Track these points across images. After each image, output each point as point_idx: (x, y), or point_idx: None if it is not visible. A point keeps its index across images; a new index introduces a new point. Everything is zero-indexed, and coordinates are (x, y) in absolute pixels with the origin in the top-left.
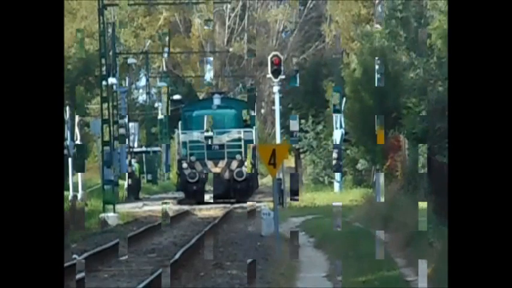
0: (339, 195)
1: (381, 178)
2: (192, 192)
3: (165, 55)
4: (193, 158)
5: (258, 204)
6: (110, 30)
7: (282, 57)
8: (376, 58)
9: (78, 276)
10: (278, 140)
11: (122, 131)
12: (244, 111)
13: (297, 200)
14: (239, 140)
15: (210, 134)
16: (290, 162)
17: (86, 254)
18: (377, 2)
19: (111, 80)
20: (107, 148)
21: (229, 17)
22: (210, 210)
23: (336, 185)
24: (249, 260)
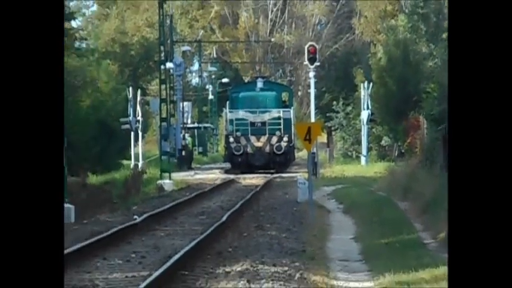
0: (365, 167)
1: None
2: (237, 163)
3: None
4: (238, 134)
5: (294, 175)
6: (168, 21)
7: (317, 47)
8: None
9: None
10: (313, 119)
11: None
12: (284, 94)
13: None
14: (279, 118)
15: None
16: (323, 138)
17: (145, 215)
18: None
19: (169, 65)
20: (164, 124)
21: (272, 11)
22: (253, 179)
23: (363, 159)
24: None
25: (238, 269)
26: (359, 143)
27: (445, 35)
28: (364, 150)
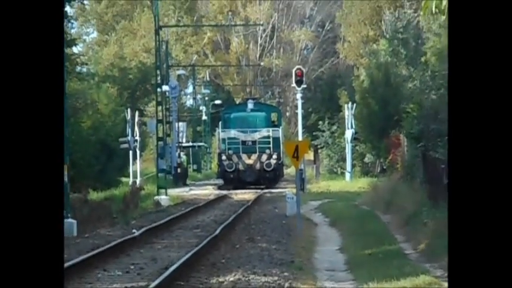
0: (350, 183)
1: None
2: (229, 180)
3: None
4: (231, 152)
5: (283, 190)
6: (164, 47)
7: (303, 70)
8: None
9: None
10: (300, 138)
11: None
12: (273, 114)
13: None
14: (268, 137)
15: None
16: (310, 156)
17: (143, 229)
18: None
19: (165, 88)
20: (160, 143)
21: (261, 36)
22: (244, 194)
23: (347, 175)
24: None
25: (231, 279)
26: (344, 160)
27: (423, 59)
28: (348, 167)
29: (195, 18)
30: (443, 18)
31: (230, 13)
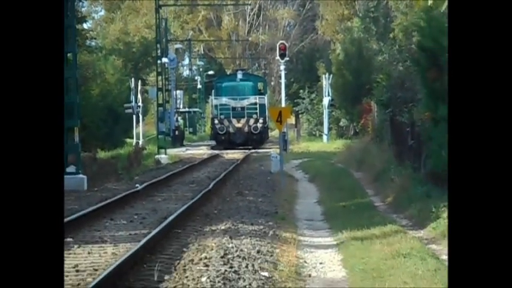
0: (326, 144)
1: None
2: (221, 141)
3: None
4: (222, 117)
5: (268, 150)
6: (163, 23)
7: (286, 45)
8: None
9: None
10: (283, 104)
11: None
12: (259, 83)
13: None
14: (255, 104)
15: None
16: (292, 120)
17: (144, 184)
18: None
19: (164, 60)
20: (160, 108)
21: (249, 15)
22: (234, 154)
23: (324, 137)
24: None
25: (222, 227)
26: (321, 124)
27: (392, 35)
28: (325, 130)
29: None
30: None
31: None
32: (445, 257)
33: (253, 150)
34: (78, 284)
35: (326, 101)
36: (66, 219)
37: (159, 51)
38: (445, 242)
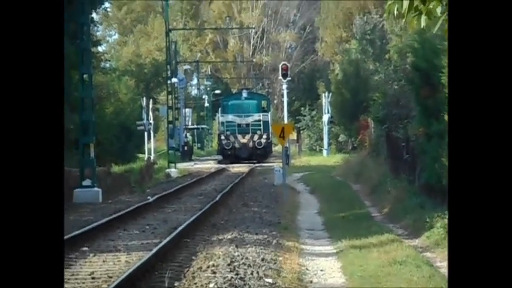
0: (326, 158)
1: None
2: (227, 156)
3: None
4: (228, 133)
5: (271, 164)
6: (173, 46)
7: (288, 65)
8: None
9: None
10: (285, 121)
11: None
12: (263, 101)
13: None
14: (259, 121)
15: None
16: (293, 136)
17: (156, 196)
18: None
19: (174, 80)
20: (170, 125)
21: (253, 37)
22: (240, 167)
23: (324, 152)
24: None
25: (229, 237)
26: (321, 139)
27: (387, 56)
28: (325, 145)
29: (198, 22)
30: (404, 21)
31: (228, 18)
32: (439, 264)
33: (257, 164)
34: None
35: (326, 117)
36: (82, 230)
37: (169, 72)
38: (439, 250)
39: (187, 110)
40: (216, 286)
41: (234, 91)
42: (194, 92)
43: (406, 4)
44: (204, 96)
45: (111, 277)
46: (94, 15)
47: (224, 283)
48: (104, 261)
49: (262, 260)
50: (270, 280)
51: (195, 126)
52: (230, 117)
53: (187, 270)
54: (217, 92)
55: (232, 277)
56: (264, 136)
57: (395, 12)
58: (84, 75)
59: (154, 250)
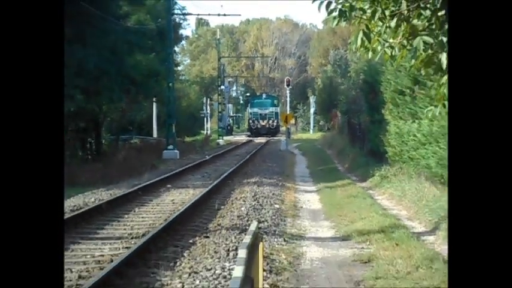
0: (312, 135)
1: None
2: (253, 132)
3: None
4: (254, 118)
5: (279, 138)
6: (222, 67)
7: (290, 79)
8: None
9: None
10: (288, 112)
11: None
12: (275, 101)
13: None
14: (272, 112)
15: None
16: (293, 121)
17: (210, 156)
18: (329, 58)
19: (222, 87)
20: (219, 114)
21: (269, 62)
22: (260, 139)
23: (311, 131)
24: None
25: (253, 180)
26: (309, 123)
27: (349, 74)
28: (311, 127)
29: (237, 53)
30: (358, 53)
31: (255, 51)
32: (376, 197)
33: (271, 138)
34: (174, 210)
35: (312, 110)
36: (167, 175)
37: (219, 82)
38: (377, 189)
39: (229, 105)
40: (245, 209)
41: (258, 94)
42: (234, 94)
43: (359, 44)
44: (239, 97)
45: (184, 202)
46: (176, 48)
47: (250, 207)
48: (179, 193)
49: (273, 194)
50: (277, 206)
51: (234, 114)
52: (255, 109)
53: (229, 199)
54: (247, 94)
55: (255, 204)
56: (275, 121)
57: (354, 49)
58: (170, 84)
59: (209, 187)
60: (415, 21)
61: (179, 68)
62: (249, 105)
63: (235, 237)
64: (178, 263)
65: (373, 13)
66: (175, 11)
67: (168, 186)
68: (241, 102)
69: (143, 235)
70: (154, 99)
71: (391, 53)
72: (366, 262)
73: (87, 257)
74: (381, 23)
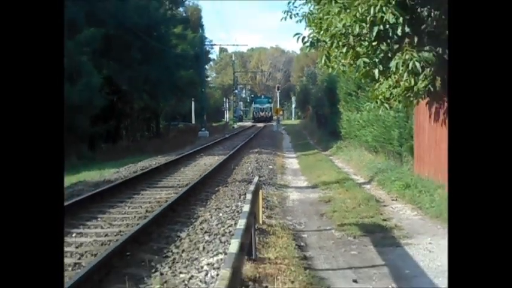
0: (294, 121)
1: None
2: (255, 120)
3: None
4: (256, 111)
5: (273, 123)
6: (236, 78)
7: (279, 86)
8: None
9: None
10: (278, 106)
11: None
12: (270, 100)
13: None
14: (268, 107)
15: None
16: (281, 113)
17: (229, 134)
18: (306, 73)
19: (236, 91)
20: (234, 108)
21: (266, 75)
22: (260, 124)
23: (293, 119)
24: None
25: (256, 150)
26: (291, 114)
27: (317, 82)
28: (293, 116)
29: (245, 69)
30: (323, 69)
31: (256, 67)
32: (335, 161)
33: (267, 123)
34: (205, 170)
35: (293, 106)
36: (201, 147)
37: (234, 88)
38: (334, 156)
39: (240, 102)
40: (250, 169)
41: (258, 95)
42: (243, 95)
43: (323, 63)
44: (247, 97)
45: (212, 164)
46: (206, 66)
47: (255, 168)
48: (209, 159)
49: (268, 159)
50: (271, 167)
51: (244, 108)
52: (257, 105)
53: (240, 162)
54: (252, 96)
55: (256, 165)
56: (270, 113)
57: (320, 66)
58: (202, 89)
59: (227, 155)
60: (358, 49)
61: (208, 79)
62: (253, 102)
63: (244, 187)
64: (208, 203)
65: (332, 44)
66: (206, 43)
67: (202, 154)
68: (248, 100)
69: (186, 185)
70: (192, 99)
71: (343, 69)
72: (327, 202)
73: (151, 198)
74: (336, 50)
